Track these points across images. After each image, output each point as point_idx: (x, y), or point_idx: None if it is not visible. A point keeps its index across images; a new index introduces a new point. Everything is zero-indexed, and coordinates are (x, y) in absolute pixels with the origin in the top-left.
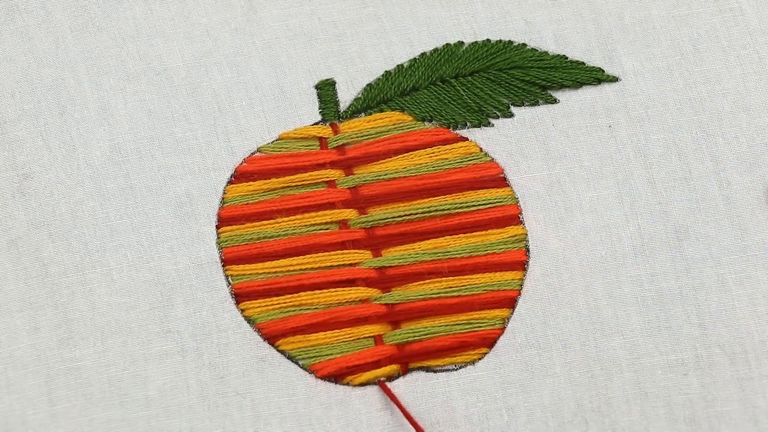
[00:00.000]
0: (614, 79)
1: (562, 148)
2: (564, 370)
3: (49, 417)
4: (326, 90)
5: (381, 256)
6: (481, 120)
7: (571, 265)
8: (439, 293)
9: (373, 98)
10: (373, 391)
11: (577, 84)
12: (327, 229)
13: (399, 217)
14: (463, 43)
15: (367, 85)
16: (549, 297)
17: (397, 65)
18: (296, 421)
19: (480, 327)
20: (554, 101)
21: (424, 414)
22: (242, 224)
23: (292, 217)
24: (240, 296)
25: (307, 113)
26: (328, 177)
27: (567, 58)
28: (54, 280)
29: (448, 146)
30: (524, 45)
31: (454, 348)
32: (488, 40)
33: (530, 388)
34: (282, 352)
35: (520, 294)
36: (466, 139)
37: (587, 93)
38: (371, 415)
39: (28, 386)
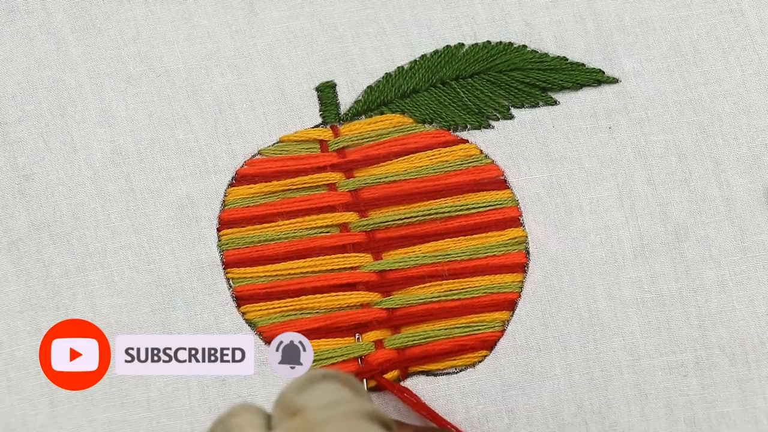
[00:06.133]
0: (614, 81)
1: (562, 150)
2: (564, 372)
3: (50, 418)
4: (327, 92)
5: (381, 259)
6: (482, 122)
7: (571, 267)
8: (440, 296)
9: (374, 100)
10: (375, 395)
11: (578, 85)
12: (328, 232)
13: (399, 219)
14: (463, 45)
15: (368, 87)
16: (549, 299)
17: (398, 67)
18: None
19: (480, 330)
20: (554, 103)
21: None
22: (243, 227)
23: (293, 220)
24: (241, 299)
25: (307, 115)
26: (328, 180)
27: (567, 59)
28: (55, 281)
29: (448, 148)
30: (524, 47)
31: (453, 351)
32: (488, 42)
33: (530, 390)
34: None
35: (520, 296)
36: (467, 141)
37: (587, 94)
38: None
39: (29, 387)
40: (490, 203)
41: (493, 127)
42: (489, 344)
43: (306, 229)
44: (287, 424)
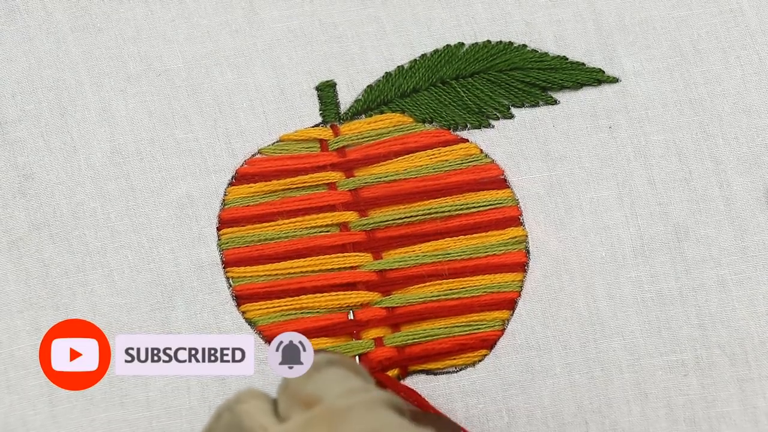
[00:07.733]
0: (614, 80)
1: (563, 150)
2: (564, 371)
3: (49, 417)
4: (327, 91)
5: (381, 258)
6: (482, 121)
7: (571, 266)
8: (440, 295)
9: (374, 100)
10: None
11: (578, 85)
12: (327, 231)
13: (399, 219)
14: (463, 44)
15: (368, 86)
16: (549, 298)
17: (398, 66)
18: None
19: (480, 329)
20: (554, 102)
21: None
22: (243, 226)
23: (293, 220)
24: (241, 298)
25: (307, 115)
26: (328, 179)
27: (567, 59)
28: (55, 281)
29: (448, 148)
30: (524, 46)
31: (453, 351)
32: (488, 41)
33: (530, 390)
34: None
35: (520, 295)
36: (467, 140)
37: (587, 94)
38: None
39: (29, 386)
40: (490, 202)
41: (493, 127)
42: (489, 343)
43: (306, 228)
44: (306, 414)
